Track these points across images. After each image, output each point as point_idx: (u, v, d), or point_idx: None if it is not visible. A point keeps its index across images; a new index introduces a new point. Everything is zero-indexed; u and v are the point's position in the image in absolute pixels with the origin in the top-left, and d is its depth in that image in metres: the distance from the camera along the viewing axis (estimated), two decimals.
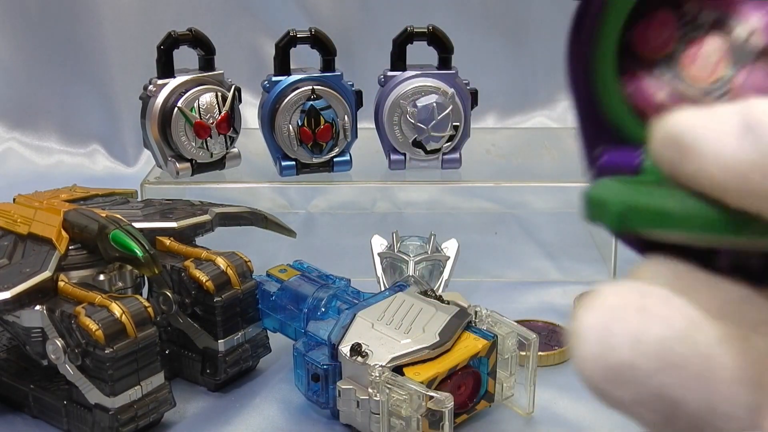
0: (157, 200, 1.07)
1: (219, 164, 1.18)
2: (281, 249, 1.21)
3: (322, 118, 1.15)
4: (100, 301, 0.82)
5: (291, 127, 1.16)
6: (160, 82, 1.16)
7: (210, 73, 1.17)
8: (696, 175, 0.36)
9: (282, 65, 1.17)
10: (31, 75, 1.65)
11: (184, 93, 1.14)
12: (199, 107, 1.14)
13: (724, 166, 0.35)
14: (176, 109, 1.14)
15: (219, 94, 1.15)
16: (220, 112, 1.14)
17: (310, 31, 1.17)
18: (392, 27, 1.21)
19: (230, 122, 1.15)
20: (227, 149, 1.17)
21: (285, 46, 1.17)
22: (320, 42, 1.18)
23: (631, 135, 0.49)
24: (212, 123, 1.14)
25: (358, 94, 1.20)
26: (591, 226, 1.34)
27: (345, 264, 1.12)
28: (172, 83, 1.15)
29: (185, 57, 1.19)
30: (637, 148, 0.48)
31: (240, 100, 1.19)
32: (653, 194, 0.39)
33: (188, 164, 1.17)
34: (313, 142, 1.16)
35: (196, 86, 1.15)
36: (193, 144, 1.15)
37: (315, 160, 1.18)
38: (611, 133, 0.49)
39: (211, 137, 1.15)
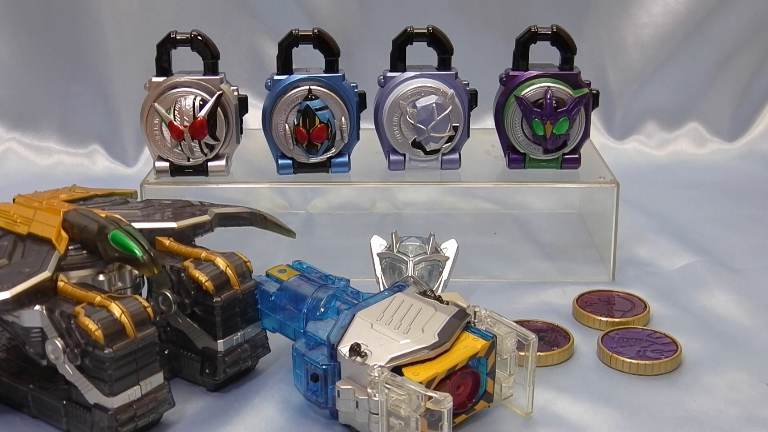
0: (156, 200, 1.07)
1: (201, 171, 1.18)
2: (281, 249, 1.21)
3: (317, 118, 1.15)
4: (100, 301, 0.83)
5: (287, 126, 1.16)
6: (154, 80, 1.16)
7: (205, 77, 1.17)
8: None
9: (284, 64, 1.18)
10: (31, 75, 1.65)
11: (164, 93, 1.15)
12: (175, 109, 1.14)
13: None
14: (151, 107, 1.15)
15: (199, 98, 1.15)
16: (194, 117, 1.14)
17: (314, 31, 1.17)
18: (392, 27, 1.21)
19: (207, 129, 1.15)
20: (207, 156, 1.17)
21: (288, 45, 1.17)
22: (323, 42, 1.18)
23: None
24: (185, 127, 1.15)
25: (362, 97, 1.19)
26: (591, 227, 1.34)
27: (344, 264, 1.12)
28: (162, 82, 1.15)
29: (189, 58, 1.19)
30: None
31: (245, 110, 1.19)
32: None
33: (166, 164, 1.17)
34: (308, 142, 1.16)
35: (180, 88, 1.15)
36: (168, 145, 1.16)
37: (311, 160, 1.18)
38: None
39: (184, 140, 1.15)
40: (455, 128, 1.18)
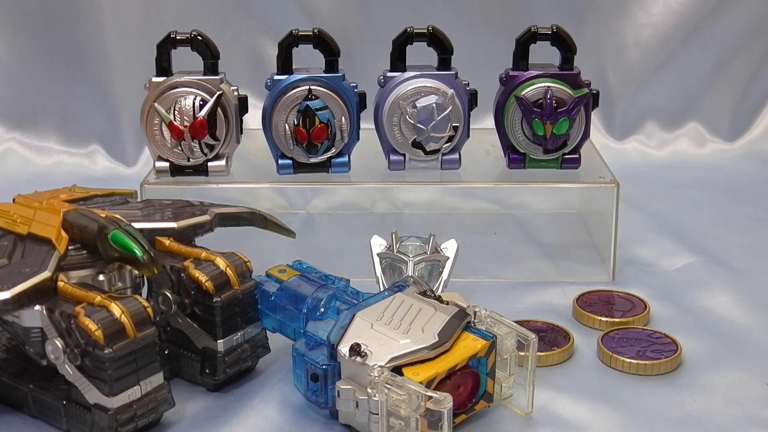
0: (156, 200, 1.07)
1: (201, 171, 1.18)
2: (281, 249, 1.21)
3: (317, 118, 1.15)
4: (100, 301, 0.83)
5: (287, 126, 1.16)
6: (154, 80, 1.16)
7: (205, 77, 1.16)
8: None
9: (284, 64, 1.18)
10: (31, 75, 1.65)
11: (164, 93, 1.15)
12: (175, 109, 1.14)
13: None
14: (151, 107, 1.15)
15: (199, 98, 1.15)
16: (194, 117, 1.14)
17: (314, 31, 1.17)
18: (392, 28, 1.21)
19: (207, 129, 1.15)
20: (207, 156, 1.17)
21: (288, 45, 1.17)
22: (323, 42, 1.18)
23: None
24: (185, 127, 1.15)
25: (362, 97, 1.19)
26: (591, 227, 1.34)
27: (344, 264, 1.12)
28: (162, 82, 1.16)
29: (189, 58, 1.19)
30: None
31: (245, 110, 1.19)
32: None
33: (166, 164, 1.18)
34: (308, 142, 1.16)
35: (180, 88, 1.15)
36: (168, 145, 1.16)
37: (311, 160, 1.18)
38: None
39: (184, 140, 1.15)
40: (455, 128, 1.18)
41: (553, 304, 1.14)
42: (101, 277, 0.89)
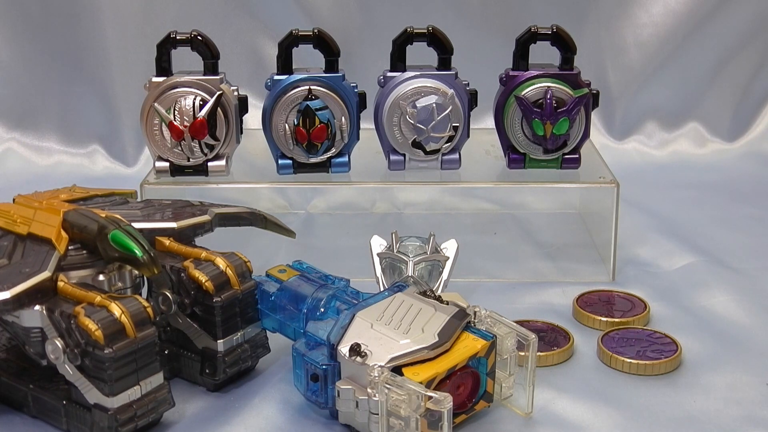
0: (156, 200, 1.07)
1: (201, 171, 1.18)
2: (281, 249, 1.21)
3: (317, 118, 1.15)
4: (100, 301, 0.83)
5: (287, 126, 1.16)
6: (154, 80, 1.17)
7: (205, 77, 1.17)
8: None
9: (284, 64, 1.18)
10: (31, 75, 1.65)
11: (164, 93, 1.15)
12: (175, 109, 1.14)
13: None
14: (151, 107, 1.15)
15: (199, 98, 1.15)
16: (194, 117, 1.14)
17: (314, 31, 1.17)
18: (392, 28, 1.21)
19: (207, 129, 1.15)
20: (206, 156, 1.17)
21: (288, 45, 1.17)
22: (323, 42, 1.18)
23: None
24: (185, 127, 1.15)
25: (362, 97, 1.19)
26: (591, 227, 1.34)
27: (344, 264, 1.12)
28: (162, 82, 1.16)
29: (190, 58, 1.19)
30: None
31: (245, 110, 1.19)
32: None
33: (166, 164, 1.18)
34: (308, 142, 1.16)
35: (180, 88, 1.15)
36: (168, 145, 1.16)
37: (311, 160, 1.18)
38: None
39: (184, 140, 1.15)
40: (455, 128, 1.18)
41: (553, 304, 1.14)
42: (101, 277, 0.89)
